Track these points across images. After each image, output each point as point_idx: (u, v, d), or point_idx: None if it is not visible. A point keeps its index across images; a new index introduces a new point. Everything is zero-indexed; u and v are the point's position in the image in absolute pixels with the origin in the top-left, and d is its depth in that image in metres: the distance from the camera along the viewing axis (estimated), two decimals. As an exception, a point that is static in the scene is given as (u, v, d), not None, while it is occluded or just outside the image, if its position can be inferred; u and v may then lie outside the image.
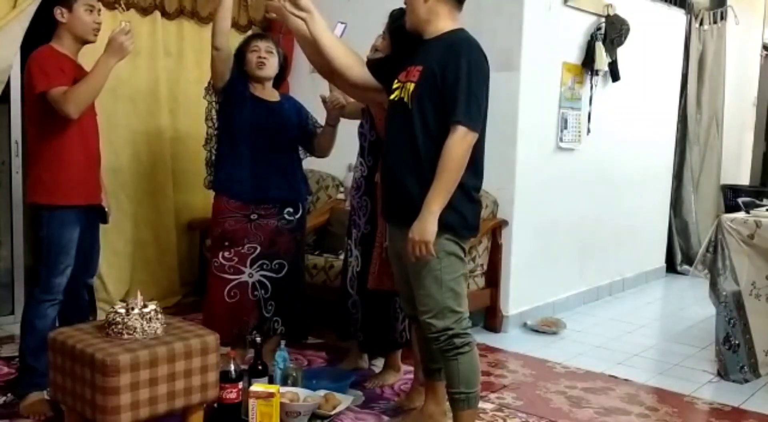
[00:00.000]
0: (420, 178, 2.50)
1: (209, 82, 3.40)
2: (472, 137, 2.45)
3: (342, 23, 3.06)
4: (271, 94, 3.46)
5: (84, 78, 2.88)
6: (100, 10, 3.05)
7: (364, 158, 3.28)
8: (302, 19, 2.62)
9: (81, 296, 3.23)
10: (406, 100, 2.56)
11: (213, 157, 3.43)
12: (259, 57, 3.36)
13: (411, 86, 2.54)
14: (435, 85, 2.48)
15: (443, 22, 2.56)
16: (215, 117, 3.42)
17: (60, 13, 2.94)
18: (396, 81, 2.62)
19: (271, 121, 3.36)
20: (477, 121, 2.47)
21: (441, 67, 2.47)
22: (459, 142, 2.43)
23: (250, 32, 4.82)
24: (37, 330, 2.94)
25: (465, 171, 2.48)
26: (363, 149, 3.29)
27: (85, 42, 3.03)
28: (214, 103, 3.41)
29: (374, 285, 3.16)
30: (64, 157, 2.95)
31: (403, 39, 2.76)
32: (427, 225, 2.44)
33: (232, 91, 3.35)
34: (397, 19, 2.89)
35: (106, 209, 3.24)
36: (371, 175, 3.19)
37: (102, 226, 4.27)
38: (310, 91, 3.91)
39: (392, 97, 2.62)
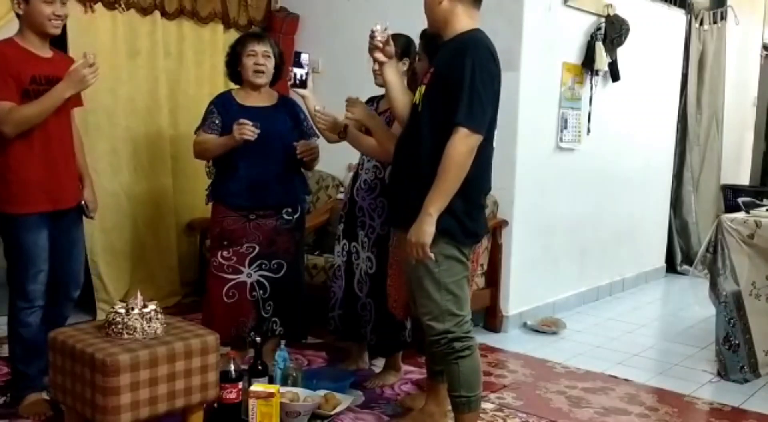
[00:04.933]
0: (418, 181, 2.48)
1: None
2: (475, 139, 2.41)
3: (303, 53, 3.15)
4: (266, 98, 3.41)
5: (35, 101, 2.74)
6: (64, 3, 2.86)
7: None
8: (382, 62, 2.72)
9: (61, 314, 3.05)
10: (417, 102, 2.56)
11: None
12: (256, 63, 3.30)
13: (422, 88, 2.54)
14: (443, 87, 2.46)
15: (460, 23, 2.52)
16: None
17: (17, 4, 2.78)
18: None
19: (265, 127, 3.26)
20: (480, 123, 2.41)
21: (448, 68, 2.45)
22: (459, 143, 2.38)
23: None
24: (22, 338, 2.89)
25: (467, 176, 2.43)
26: None
27: (47, 35, 2.85)
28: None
29: (404, 315, 3.16)
30: (17, 164, 2.80)
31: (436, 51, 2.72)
32: (424, 226, 2.41)
33: (221, 107, 3.34)
34: (429, 39, 2.84)
35: (84, 203, 3.06)
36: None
37: (102, 226, 4.31)
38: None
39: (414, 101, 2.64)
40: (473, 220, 2.57)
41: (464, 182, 2.43)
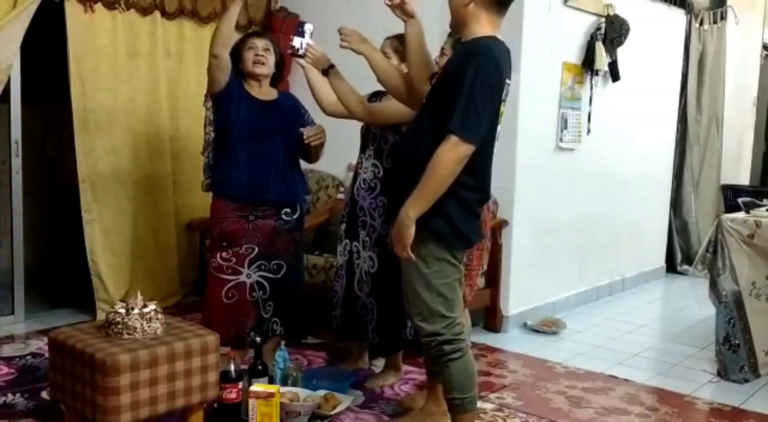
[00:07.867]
0: (416, 179, 2.45)
1: (208, 90, 3.37)
2: (465, 149, 2.37)
3: (308, 23, 3.09)
4: (268, 93, 3.43)
5: None
6: None
7: (380, 160, 3.25)
8: (404, 20, 2.72)
9: None
10: (424, 101, 2.57)
11: (211, 161, 3.40)
12: (257, 55, 3.34)
13: (428, 88, 2.56)
14: (446, 88, 2.46)
15: (480, 28, 2.51)
16: (213, 123, 3.40)
17: None
18: None
19: (267, 121, 3.32)
20: (473, 133, 2.38)
21: (453, 71, 2.46)
22: (448, 151, 2.36)
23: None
24: None
25: (463, 180, 2.42)
26: (381, 151, 3.26)
27: None
28: (211, 109, 3.39)
29: None
30: None
31: None
32: (402, 227, 2.42)
33: (228, 92, 3.31)
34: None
35: None
36: (387, 176, 3.20)
37: (102, 226, 4.30)
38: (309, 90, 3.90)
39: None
40: (467, 225, 2.56)
41: (461, 188, 2.44)
